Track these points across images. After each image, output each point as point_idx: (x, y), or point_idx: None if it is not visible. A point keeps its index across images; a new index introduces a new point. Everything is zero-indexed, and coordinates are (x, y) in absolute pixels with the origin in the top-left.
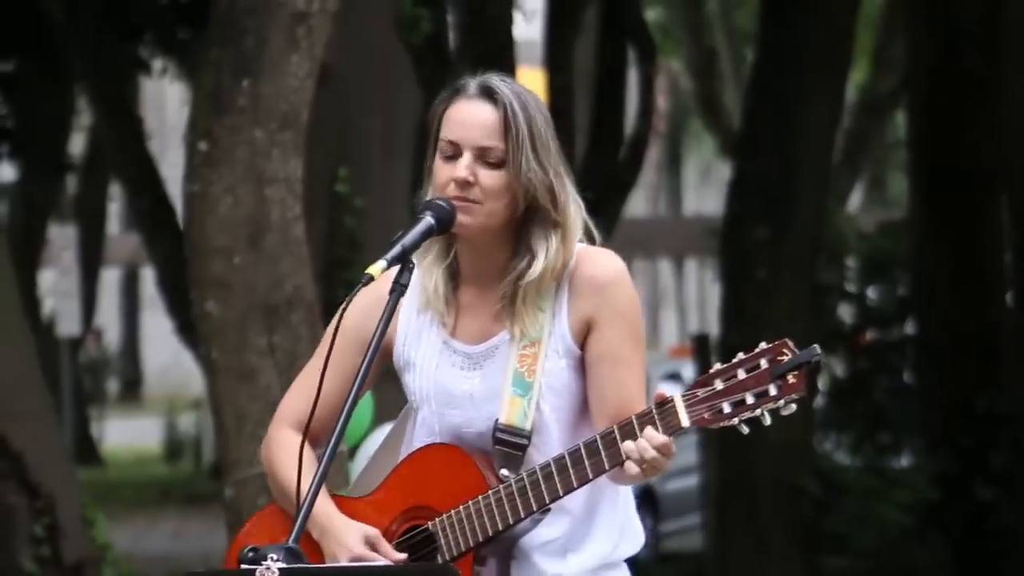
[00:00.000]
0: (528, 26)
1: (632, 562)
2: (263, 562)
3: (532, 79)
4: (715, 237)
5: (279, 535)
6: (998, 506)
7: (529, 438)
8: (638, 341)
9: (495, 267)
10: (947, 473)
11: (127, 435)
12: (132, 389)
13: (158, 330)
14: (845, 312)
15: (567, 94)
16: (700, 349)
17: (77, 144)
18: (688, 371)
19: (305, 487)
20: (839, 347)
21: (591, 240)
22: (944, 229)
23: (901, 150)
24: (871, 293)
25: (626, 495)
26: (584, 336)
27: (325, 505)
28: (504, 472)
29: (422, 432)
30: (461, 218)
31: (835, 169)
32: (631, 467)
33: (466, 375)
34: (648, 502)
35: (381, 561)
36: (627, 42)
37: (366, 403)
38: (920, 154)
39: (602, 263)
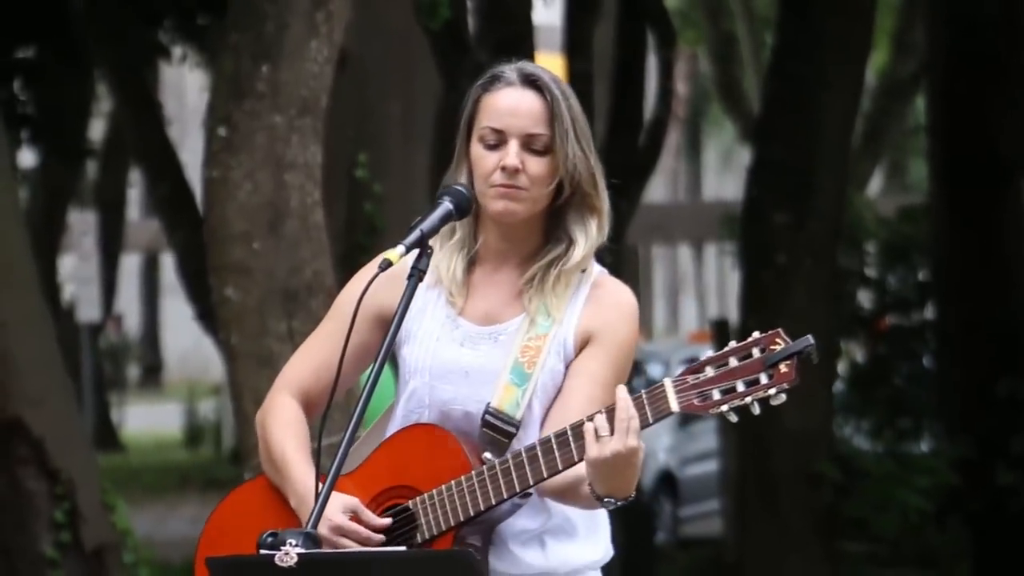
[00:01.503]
0: (547, 11)
1: (640, 548)
2: (282, 547)
3: (551, 64)
4: (735, 222)
5: (262, 510)
6: (1018, 491)
7: (518, 428)
8: (622, 368)
9: (524, 251)
10: (967, 458)
11: (147, 421)
12: (152, 375)
13: (178, 316)
14: (865, 297)
15: (586, 79)
16: (719, 335)
17: (97, 130)
18: None
19: (290, 449)
20: (859, 332)
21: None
22: (964, 214)
23: (921, 135)
24: (891, 278)
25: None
26: (580, 348)
27: (307, 478)
28: (487, 455)
29: (411, 403)
30: (508, 205)
31: (855, 154)
32: (588, 442)
33: (465, 352)
34: (668, 487)
35: (360, 530)
36: (646, 27)
37: (387, 378)
38: (940, 139)
39: (622, 294)
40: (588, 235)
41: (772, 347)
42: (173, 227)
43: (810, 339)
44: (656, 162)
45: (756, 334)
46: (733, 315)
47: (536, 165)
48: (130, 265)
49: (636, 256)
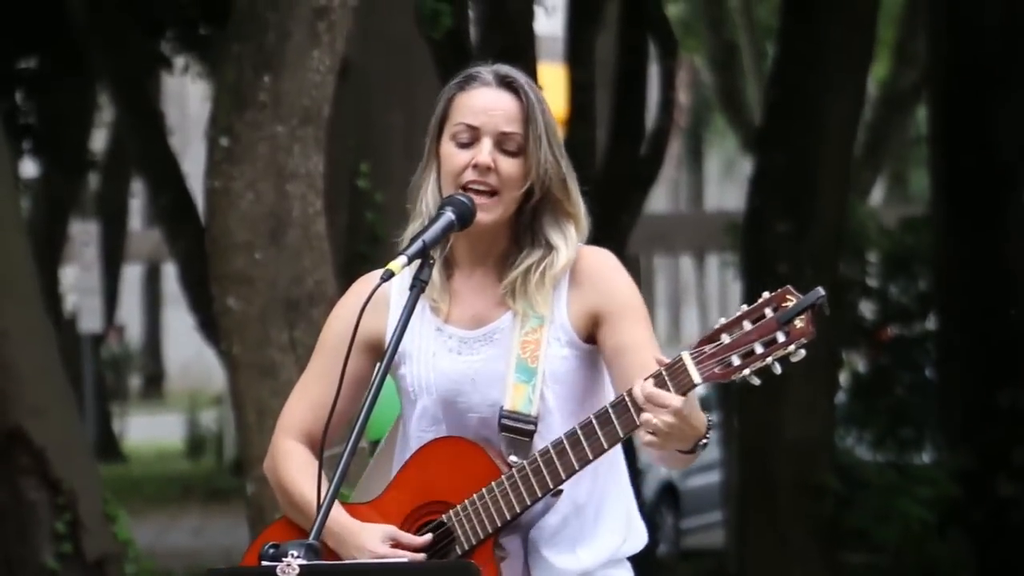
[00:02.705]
0: (549, 21)
1: (643, 559)
2: (284, 559)
3: (553, 74)
4: (736, 232)
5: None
6: (1020, 502)
7: (536, 424)
8: (647, 320)
9: (493, 254)
10: (969, 469)
11: (149, 431)
12: (154, 385)
13: (180, 326)
14: (866, 308)
15: (588, 89)
16: None
17: (99, 140)
18: None
19: (309, 491)
20: (860, 343)
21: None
22: (966, 224)
23: (922, 145)
24: (892, 288)
25: (629, 491)
26: (589, 329)
27: (338, 515)
28: (513, 459)
29: (423, 422)
30: (481, 216)
31: (856, 164)
32: (643, 436)
33: (465, 359)
34: (670, 498)
35: (405, 556)
36: (648, 37)
37: (390, 392)
38: (941, 149)
39: (598, 257)
40: (568, 240)
41: (784, 304)
42: (175, 237)
43: (820, 291)
44: (658, 172)
45: (766, 294)
46: None
47: (508, 165)
48: (132, 275)
49: (638, 266)
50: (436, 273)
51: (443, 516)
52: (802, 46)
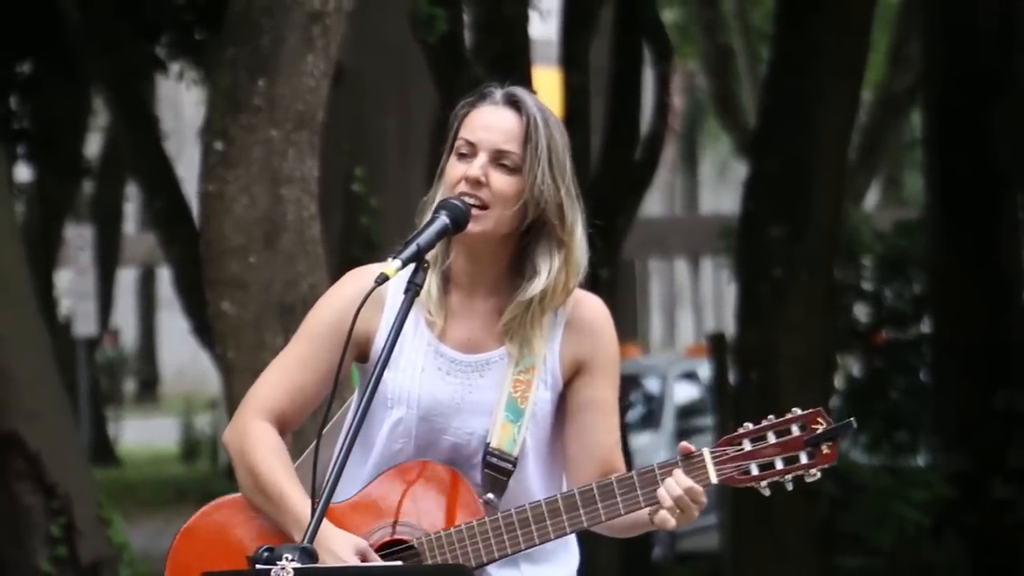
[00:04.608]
0: (544, 25)
1: (638, 563)
2: (278, 562)
3: (548, 78)
4: (731, 236)
5: (233, 529)
6: (1015, 504)
7: (515, 464)
8: (618, 383)
9: (489, 277)
10: (964, 472)
11: (143, 435)
12: (148, 389)
13: (174, 330)
14: (861, 311)
15: (583, 93)
16: (716, 348)
17: (93, 144)
18: (704, 370)
19: (283, 480)
20: (855, 346)
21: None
22: (960, 228)
23: (917, 149)
24: (887, 292)
25: None
26: (571, 376)
27: (306, 508)
28: (490, 496)
29: (395, 433)
30: (471, 226)
31: (851, 168)
32: (663, 514)
33: (453, 382)
34: None
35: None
36: (643, 41)
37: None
38: (936, 153)
39: (595, 306)
40: (551, 268)
41: (813, 426)
42: (169, 241)
43: (853, 422)
44: (653, 176)
45: (796, 410)
46: (730, 328)
47: (501, 182)
48: (126, 279)
49: (633, 270)
50: (434, 287)
51: (413, 540)
52: (796, 51)
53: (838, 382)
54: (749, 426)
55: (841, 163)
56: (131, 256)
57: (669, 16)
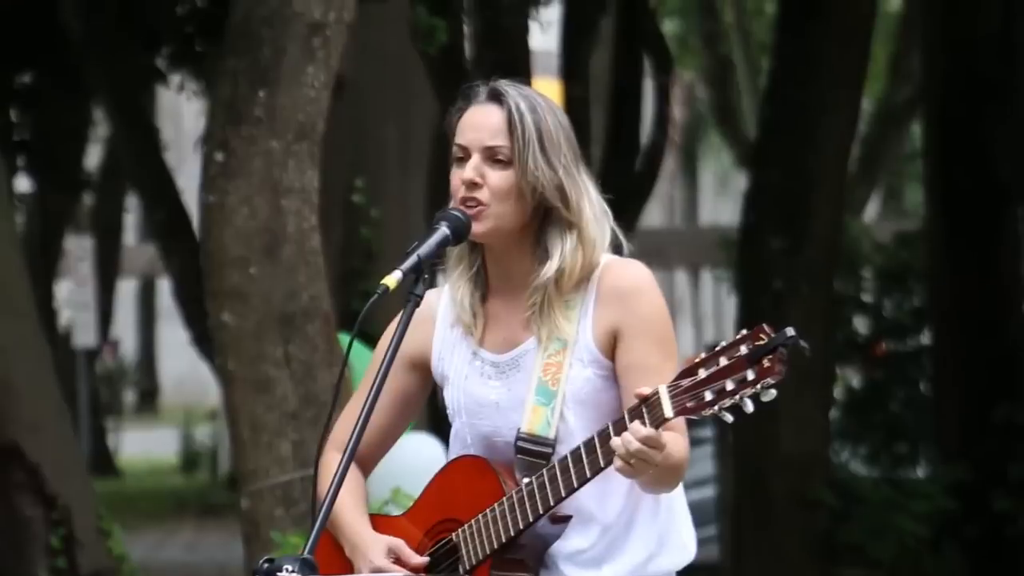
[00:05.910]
0: (544, 36)
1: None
2: (278, 573)
3: (548, 89)
4: (731, 247)
5: (330, 556)
6: (1015, 517)
7: (553, 446)
8: (666, 348)
9: (520, 274)
10: (964, 484)
11: (143, 446)
12: (148, 400)
13: (174, 341)
14: (861, 323)
15: (583, 104)
16: None
17: (94, 155)
18: None
19: (341, 501)
20: (855, 358)
21: (617, 250)
22: (960, 239)
23: (917, 160)
24: (887, 304)
25: (670, 505)
26: (612, 347)
27: (355, 523)
28: (526, 480)
29: (456, 444)
30: (475, 227)
31: (851, 179)
32: (616, 462)
33: (493, 384)
34: None
35: (399, 571)
36: (643, 52)
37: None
38: (936, 164)
39: (627, 272)
40: (563, 250)
41: (757, 342)
42: (170, 252)
43: (790, 331)
44: (653, 187)
45: (743, 331)
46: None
47: (496, 177)
48: (126, 290)
49: None
50: (465, 295)
51: (453, 534)
52: (797, 62)
53: (838, 394)
54: (704, 354)
55: (841, 175)
56: (131, 267)
57: (669, 28)
